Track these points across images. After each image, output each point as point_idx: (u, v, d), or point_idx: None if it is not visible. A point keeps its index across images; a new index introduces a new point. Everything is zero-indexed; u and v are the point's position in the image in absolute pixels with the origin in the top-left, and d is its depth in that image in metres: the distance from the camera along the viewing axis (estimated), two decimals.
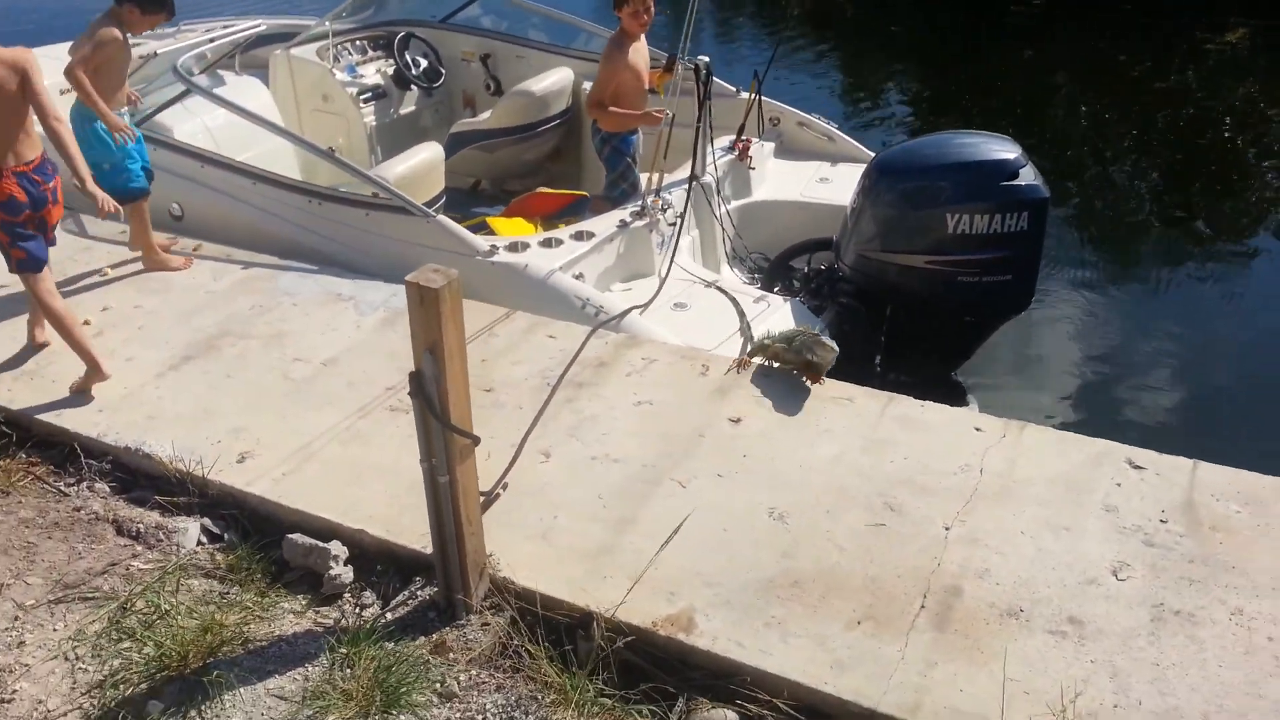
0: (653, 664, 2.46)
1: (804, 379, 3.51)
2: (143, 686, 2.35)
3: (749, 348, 3.82)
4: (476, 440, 2.40)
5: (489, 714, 2.31)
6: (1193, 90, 9.75)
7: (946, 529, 2.75)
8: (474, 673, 2.44)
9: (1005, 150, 4.20)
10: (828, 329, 4.48)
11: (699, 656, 2.41)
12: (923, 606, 2.49)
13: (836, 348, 3.52)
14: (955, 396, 4.87)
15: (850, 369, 4.05)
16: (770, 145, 5.87)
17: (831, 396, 3.41)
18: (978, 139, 4.37)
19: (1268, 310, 5.85)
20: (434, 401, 2.27)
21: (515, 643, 2.50)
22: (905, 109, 9.75)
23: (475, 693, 2.37)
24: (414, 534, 2.74)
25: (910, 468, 3.01)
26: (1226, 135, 8.67)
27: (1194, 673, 2.27)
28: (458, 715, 2.31)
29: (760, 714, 2.27)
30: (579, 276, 4.27)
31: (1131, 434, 4.20)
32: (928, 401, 3.35)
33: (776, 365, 3.60)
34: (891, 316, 4.65)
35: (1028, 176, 4.13)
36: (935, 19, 12.14)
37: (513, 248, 4.29)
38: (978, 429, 3.20)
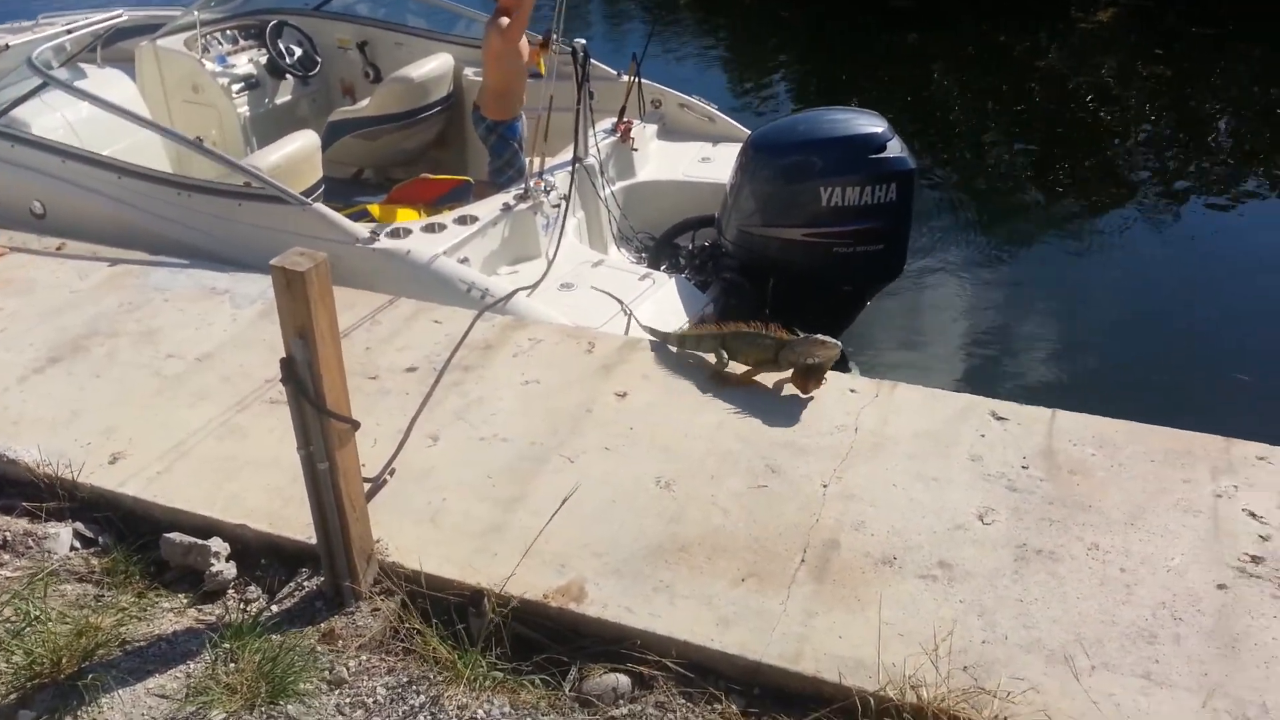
0: (546, 635, 2.48)
1: (795, 387, 3.25)
2: (12, 696, 2.26)
3: (665, 335, 3.60)
4: (355, 424, 2.37)
5: (379, 697, 2.30)
6: (1064, 67, 10.22)
7: (824, 486, 2.85)
8: (364, 658, 2.42)
9: (873, 125, 4.35)
10: (713, 304, 4.58)
11: (590, 624, 2.45)
12: (803, 561, 2.58)
13: (837, 342, 3.24)
14: (839, 363, 5.03)
15: None
16: (653, 127, 5.93)
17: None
18: (847, 114, 4.52)
19: (1117, 269, 6.22)
20: (307, 386, 2.24)
21: (406, 625, 2.50)
22: (788, 90, 9.97)
23: (365, 677, 2.36)
24: (298, 525, 2.70)
25: (789, 431, 3.10)
26: (1093, 109, 9.12)
27: (1055, 606, 2.41)
28: (347, 700, 2.30)
29: (651, 675, 2.33)
30: (464, 261, 4.26)
31: (997, 388, 4.44)
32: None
33: (714, 361, 3.37)
34: (774, 289, 4.77)
35: (895, 149, 4.29)
36: (822, 4, 12.40)
37: (395, 234, 4.24)
38: (852, 390, 3.32)
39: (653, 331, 3.69)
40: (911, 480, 2.86)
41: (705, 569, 2.58)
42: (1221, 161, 8.17)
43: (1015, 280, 6.04)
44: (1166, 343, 5.26)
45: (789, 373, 3.31)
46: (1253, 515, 2.66)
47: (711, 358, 3.42)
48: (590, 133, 5.13)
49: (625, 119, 5.51)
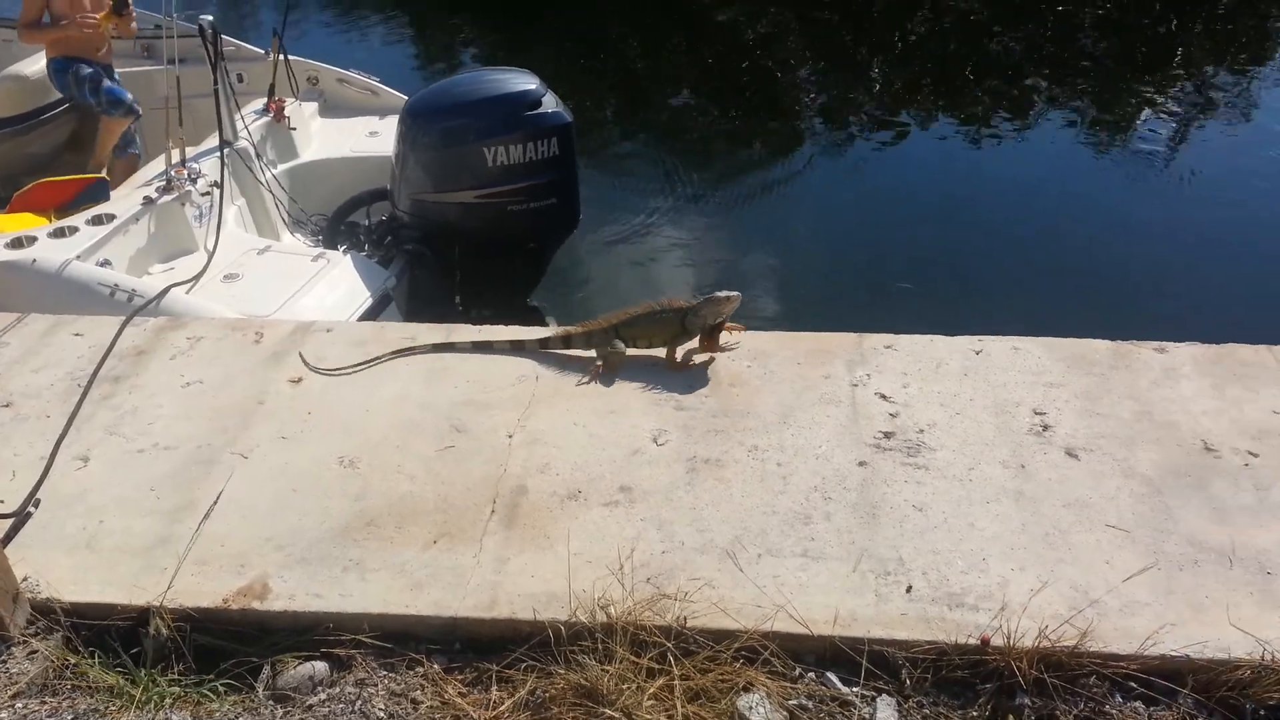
0: (232, 640, 2.36)
1: (705, 352, 3.12)
2: None
3: (546, 340, 3.25)
4: None
5: None
6: (736, 15, 10.84)
7: (510, 437, 2.90)
8: (22, 705, 2.19)
9: (526, 82, 4.42)
10: (395, 278, 4.50)
11: (278, 619, 2.35)
12: (493, 512, 2.62)
13: (737, 293, 3.07)
14: (535, 318, 5.14)
15: (433, 312, 4.10)
16: (312, 105, 5.70)
17: (392, 339, 3.42)
18: (499, 74, 4.56)
19: (779, 202, 6.79)
20: None
21: (72, 661, 2.28)
22: (453, 55, 9.88)
23: None
24: None
25: (472, 389, 3.12)
26: (762, 58, 9.76)
27: (724, 507, 2.61)
28: None
29: (349, 655, 2.28)
30: (105, 264, 3.89)
31: None
32: (484, 325, 3.48)
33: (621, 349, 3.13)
34: (460, 255, 4.76)
35: (550, 104, 4.39)
36: None
37: (15, 244, 3.80)
38: None
39: (531, 343, 3.28)
40: (590, 417, 2.97)
41: (396, 539, 2.55)
42: (871, 97, 9.06)
43: (687, 217, 6.43)
44: (821, 258, 5.83)
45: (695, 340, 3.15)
46: (883, 397, 3.00)
47: (609, 350, 3.16)
48: (237, 115, 4.83)
49: (277, 98, 5.25)
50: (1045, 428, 2.83)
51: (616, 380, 3.13)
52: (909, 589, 2.32)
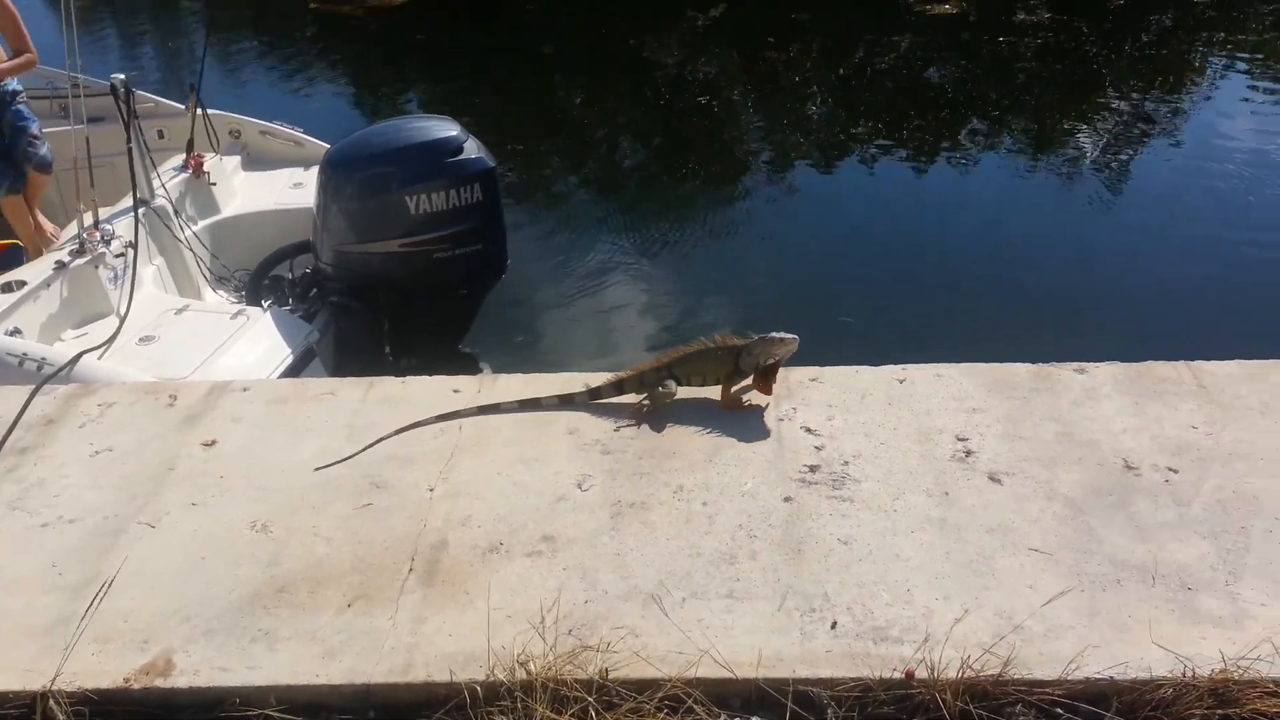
0: None
1: (757, 389, 3.05)
2: None
3: (596, 390, 3.12)
4: None
5: None
6: (678, 60, 11.00)
7: (431, 490, 2.83)
8: None
9: (446, 129, 4.40)
10: (319, 332, 4.42)
11: (182, 696, 2.25)
12: (411, 570, 2.54)
13: (794, 336, 2.99)
14: (468, 366, 5.08)
15: (361, 364, 4.02)
16: (235, 158, 5.63)
17: (312, 395, 3.34)
18: (420, 121, 4.54)
19: (707, 242, 6.84)
20: None
21: None
22: (383, 105, 9.88)
23: None
24: None
25: (393, 443, 3.05)
26: (700, 100, 9.88)
27: (648, 551, 2.56)
28: None
29: None
30: (14, 333, 3.77)
31: (598, 362, 4.70)
32: (409, 376, 3.42)
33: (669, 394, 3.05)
34: (388, 305, 4.69)
35: (471, 150, 4.37)
36: (438, 20, 12.41)
37: None
38: (456, 390, 3.32)
39: (580, 395, 3.15)
40: (514, 465, 2.92)
41: (309, 604, 2.46)
42: (808, 135, 9.19)
43: (624, 258, 6.45)
44: (755, 293, 5.86)
45: (748, 379, 3.09)
46: (808, 430, 2.98)
47: (659, 391, 3.08)
48: (154, 173, 4.74)
49: (196, 153, 5.17)
50: (968, 453, 2.83)
51: (541, 426, 3.08)
52: (834, 625, 2.28)
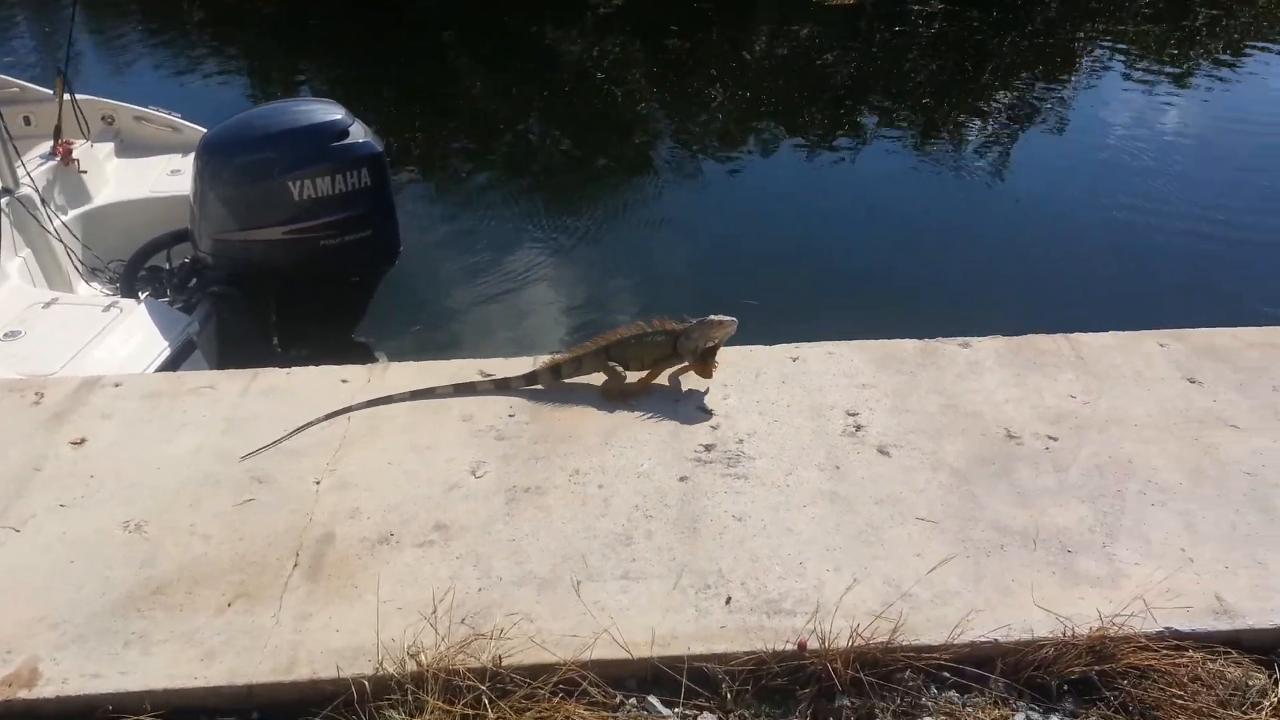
0: None
1: (696, 374, 3.02)
2: None
3: (533, 374, 3.05)
4: None
5: None
6: (580, 48, 10.91)
7: (317, 483, 2.73)
8: None
9: (330, 112, 4.25)
10: (198, 323, 4.24)
11: (49, 707, 2.12)
12: (296, 565, 2.45)
13: (732, 318, 2.96)
14: (363, 355, 4.94)
15: (247, 356, 3.86)
16: (108, 145, 5.35)
17: (189, 389, 3.19)
18: (302, 105, 4.38)
19: (604, 227, 6.82)
20: None
21: None
22: (272, 89, 9.57)
23: None
24: None
25: (278, 435, 2.93)
26: (603, 87, 9.82)
27: (544, 536, 2.52)
28: None
29: None
30: None
31: (495, 347, 4.65)
32: (294, 367, 3.29)
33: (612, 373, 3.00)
34: (275, 295, 4.53)
35: (358, 134, 4.23)
36: (336, 5, 12.05)
37: None
38: (344, 380, 3.21)
39: (516, 379, 3.07)
40: (406, 454, 2.84)
41: (186, 605, 2.35)
42: (709, 122, 9.23)
43: (522, 244, 6.38)
44: (653, 278, 5.88)
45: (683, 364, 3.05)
46: (704, 410, 2.98)
47: (605, 375, 3.02)
48: (18, 161, 4.47)
49: (64, 140, 4.89)
50: (858, 428, 2.87)
51: (435, 413, 3.01)
52: (728, 600, 2.28)
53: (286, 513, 2.63)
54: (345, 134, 4.18)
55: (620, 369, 3.03)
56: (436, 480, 2.73)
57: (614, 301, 5.67)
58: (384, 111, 8.53)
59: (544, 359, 3.15)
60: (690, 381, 3.10)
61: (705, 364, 3.04)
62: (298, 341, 4.52)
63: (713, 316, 2.97)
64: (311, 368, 3.31)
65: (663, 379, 3.10)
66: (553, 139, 8.75)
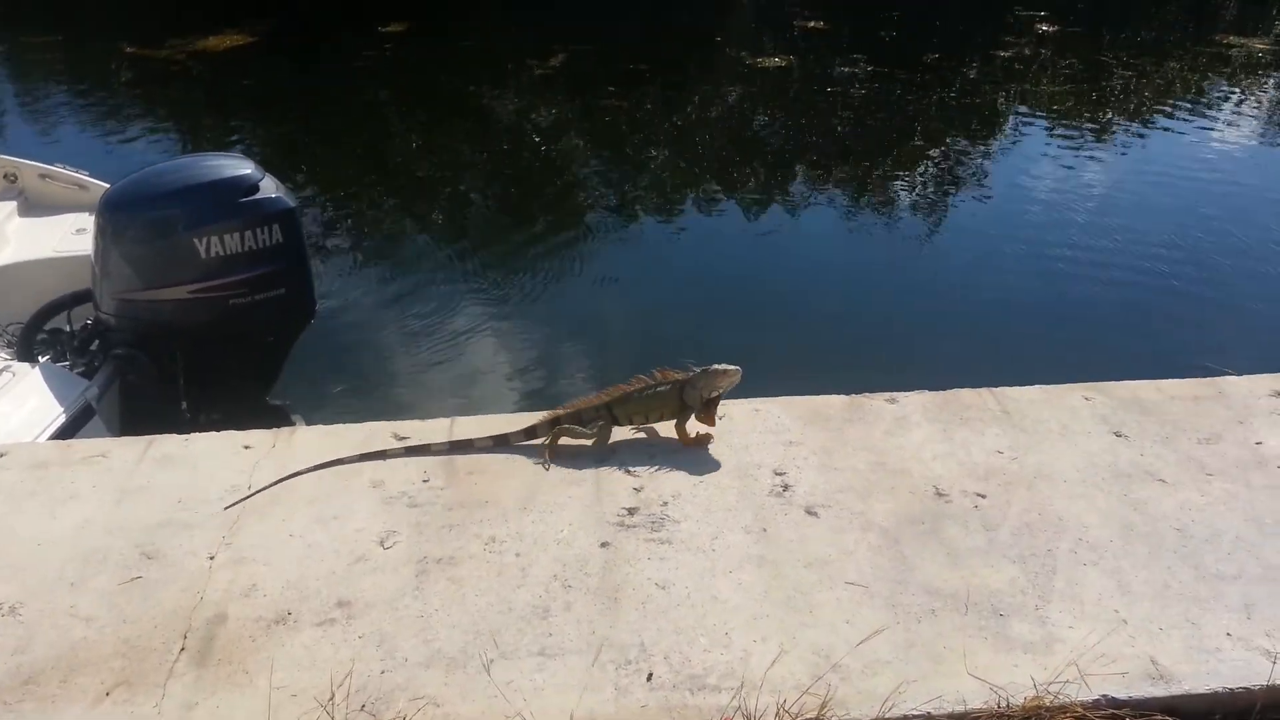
0: None
1: (701, 424, 2.94)
2: None
3: (531, 430, 2.95)
4: None
5: None
6: (517, 108, 10.92)
7: (211, 558, 2.55)
8: None
9: (240, 167, 4.10)
10: (96, 389, 4.01)
11: None
12: (183, 649, 2.26)
13: (737, 367, 2.92)
14: (279, 419, 4.73)
15: (154, 422, 3.65)
16: (10, 204, 5.13)
17: (79, 458, 2.98)
18: (210, 160, 4.21)
19: (548, 284, 6.73)
20: None
21: None
22: (179, 146, 9.40)
23: None
24: None
25: (171, 507, 2.74)
26: (538, 147, 9.81)
27: (455, 610, 2.37)
28: None
29: None
30: None
31: (408, 410, 4.50)
32: (192, 434, 3.10)
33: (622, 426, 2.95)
34: (183, 357, 4.31)
35: (269, 189, 4.08)
36: (268, 64, 11.93)
37: None
38: (247, 446, 3.03)
39: (506, 436, 2.96)
40: (311, 525, 2.67)
41: (59, 696, 2.14)
42: (645, 183, 9.26)
43: (440, 307, 6.25)
44: (578, 339, 5.80)
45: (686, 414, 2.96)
46: (628, 471, 2.87)
47: (604, 432, 2.93)
48: None
49: None
50: (785, 488, 2.78)
51: (343, 480, 2.85)
52: (650, 677, 2.16)
53: (176, 591, 2.44)
54: (255, 189, 4.03)
55: (607, 431, 2.95)
56: (342, 552, 2.56)
57: (540, 360, 5.56)
58: (318, 171, 8.40)
59: (546, 413, 3.02)
60: (619, 436, 2.99)
61: (708, 414, 2.98)
62: (208, 406, 4.30)
63: (717, 366, 2.94)
64: (212, 433, 3.13)
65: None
66: (489, 199, 8.69)
